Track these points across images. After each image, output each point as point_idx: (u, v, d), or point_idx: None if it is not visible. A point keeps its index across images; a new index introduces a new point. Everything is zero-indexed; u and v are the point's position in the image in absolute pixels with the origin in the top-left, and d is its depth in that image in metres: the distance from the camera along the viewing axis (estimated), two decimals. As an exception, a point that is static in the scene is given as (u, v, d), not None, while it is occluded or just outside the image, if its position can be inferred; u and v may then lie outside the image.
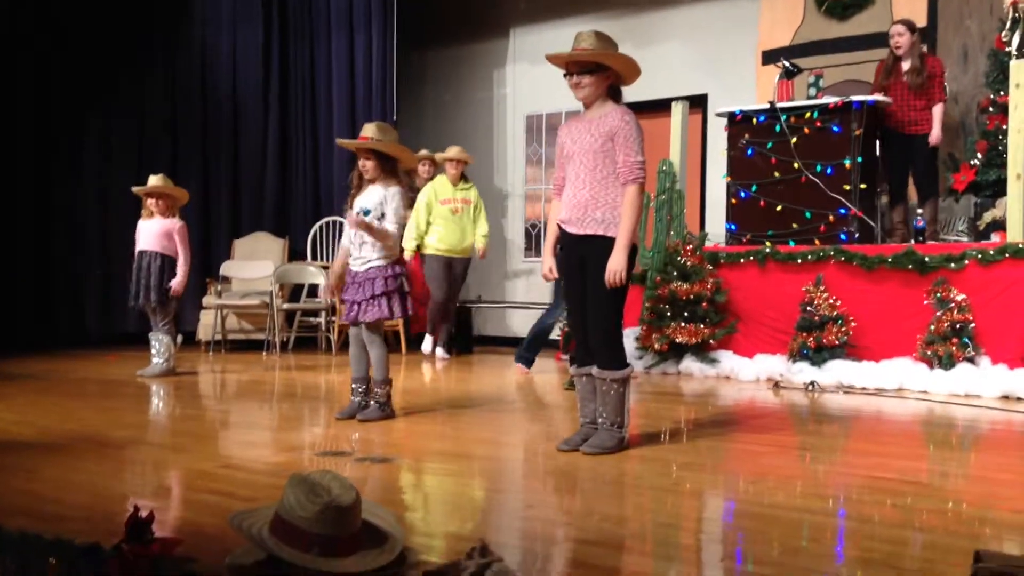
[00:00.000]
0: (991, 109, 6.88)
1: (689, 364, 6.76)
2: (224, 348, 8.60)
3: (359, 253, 4.56)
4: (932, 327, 5.84)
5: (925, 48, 7.02)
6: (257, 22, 9.59)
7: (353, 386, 4.68)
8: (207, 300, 8.75)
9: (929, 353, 5.84)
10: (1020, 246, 5.74)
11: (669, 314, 6.76)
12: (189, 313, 8.91)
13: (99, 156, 9.09)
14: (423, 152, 8.35)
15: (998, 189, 6.49)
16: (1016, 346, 5.69)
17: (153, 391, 5.89)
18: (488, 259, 8.45)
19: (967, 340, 5.74)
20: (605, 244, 3.68)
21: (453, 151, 8.01)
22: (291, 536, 2.08)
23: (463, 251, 7.98)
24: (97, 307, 9.00)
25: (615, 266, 3.62)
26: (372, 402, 4.61)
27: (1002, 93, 6.60)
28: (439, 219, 7.82)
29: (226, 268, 8.90)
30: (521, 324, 9.79)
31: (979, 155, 6.82)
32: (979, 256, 5.84)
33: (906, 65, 6.66)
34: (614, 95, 3.78)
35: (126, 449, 3.84)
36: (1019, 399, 5.48)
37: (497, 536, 2.54)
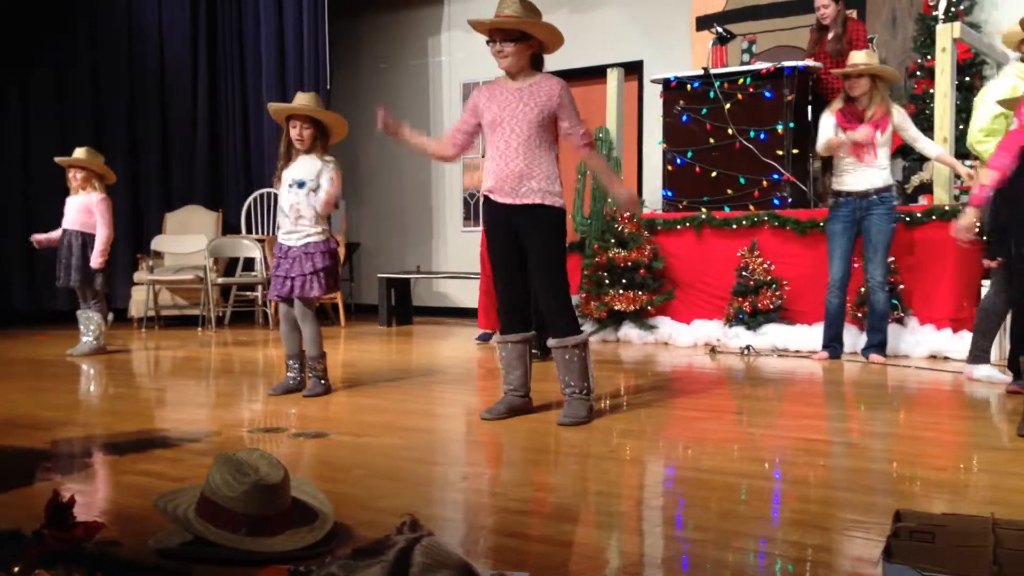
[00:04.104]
0: (919, 73, 7.00)
1: (628, 331, 6.81)
2: (158, 325, 8.43)
3: (295, 227, 4.47)
4: (862, 289, 5.95)
5: (854, 14, 7.07)
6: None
7: (288, 362, 4.63)
8: (139, 276, 8.54)
9: (860, 315, 5.95)
10: (947, 208, 5.86)
11: (607, 281, 6.79)
12: (120, 289, 8.68)
13: (20, 127, 8.75)
14: None
15: (926, 153, 6.60)
16: (943, 306, 5.83)
17: (83, 370, 5.74)
18: (426, 229, 8.32)
19: (895, 301, 5.86)
20: (544, 213, 3.69)
21: None
22: (218, 517, 2.04)
23: None
24: (23, 284, 8.71)
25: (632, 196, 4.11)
26: (312, 377, 4.55)
27: (929, 57, 6.71)
28: None
29: (158, 243, 8.69)
30: (458, 294, 9.76)
31: (907, 119, 6.92)
32: (907, 219, 5.95)
33: (831, 34, 6.72)
34: (536, 63, 3.77)
35: (54, 431, 3.73)
36: (946, 359, 5.63)
37: (431, 509, 2.52)
